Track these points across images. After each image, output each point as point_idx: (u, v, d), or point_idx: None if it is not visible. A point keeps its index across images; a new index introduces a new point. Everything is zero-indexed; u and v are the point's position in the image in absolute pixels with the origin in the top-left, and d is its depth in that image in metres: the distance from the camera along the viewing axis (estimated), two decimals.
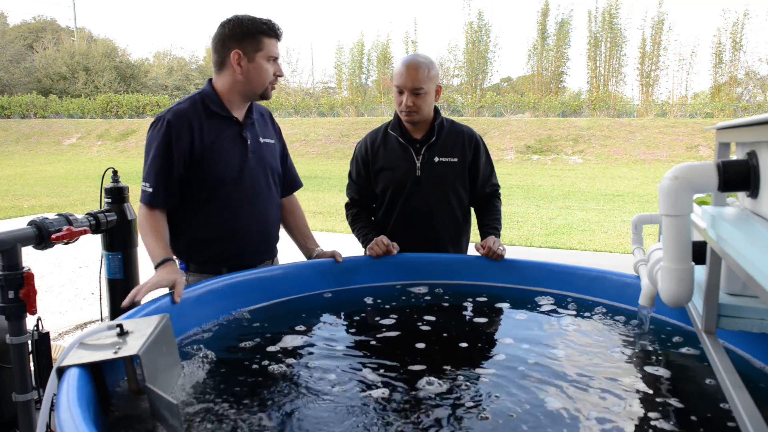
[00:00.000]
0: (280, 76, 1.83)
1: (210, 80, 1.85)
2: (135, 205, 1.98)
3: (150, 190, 1.73)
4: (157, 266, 1.58)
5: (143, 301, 1.47)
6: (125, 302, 1.42)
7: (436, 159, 2.12)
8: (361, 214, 2.23)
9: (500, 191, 2.28)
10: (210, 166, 1.77)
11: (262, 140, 1.90)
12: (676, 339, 1.50)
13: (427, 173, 2.11)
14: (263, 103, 1.97)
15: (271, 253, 1.99)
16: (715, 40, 24.22)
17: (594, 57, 26.57)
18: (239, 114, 1.85)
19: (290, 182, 2.09)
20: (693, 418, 1.11)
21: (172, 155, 1.73)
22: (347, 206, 2.30)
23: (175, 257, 1.73)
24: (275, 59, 1.79)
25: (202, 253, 1.84)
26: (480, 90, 27.21)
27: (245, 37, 1.74)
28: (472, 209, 2.28)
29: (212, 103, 1.80)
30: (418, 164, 2.11)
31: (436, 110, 2.16)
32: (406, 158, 2.13)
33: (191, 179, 1.78)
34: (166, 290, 1.52)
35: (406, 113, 2.05)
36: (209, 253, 1.84)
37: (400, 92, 2.04)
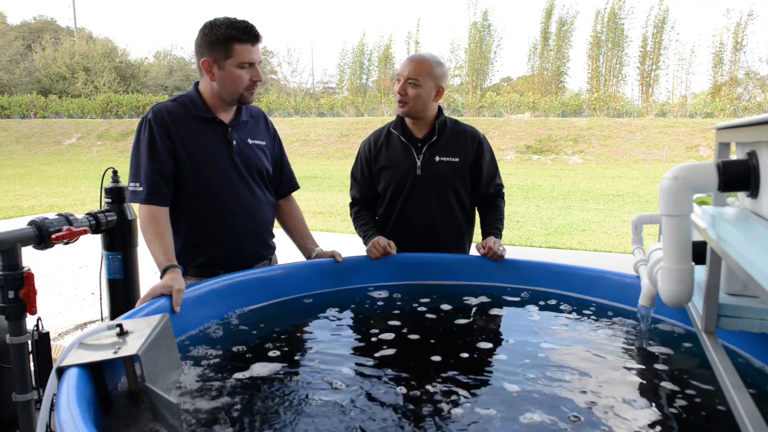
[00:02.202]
0: (258, 81, 1.78)
1: (196, 83, 1.85)
2: (134, 205, 1.98)
3: (140, 188, 1.71)
4: (162, 274, 1.58)
5: (140, 294, 1.47)
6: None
7: (437, 158, 2.12)
8: (363, 212, 2.23)
9: (504, 191, 2.28)
10: (194, 167, 1.77)
11: (250, 141, 1.89)
12: (676, 339, 1.50)
13: (428, 172, 2.11)
14: (256, 103, 1.96)
15: (266, 254, 1.98)
16: (716, 40, 24.27)
17: (596, 57, 26.60)
18: (225, 116, 1.84)
19: (287, 184, 2.08)
20: (693, 417, 1.11)
21: (158, 152, 1.72)
22: (350, 205, 2.30)
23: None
24: (251, 64, 1.74)
25: (197, 257, 1.84)
26: (480, 90, 27.22)
27: (215, 44, 1.71)
28: (476, 210, 2.28)
29: (195, 106, 1.80)
30: (419, 163, 2.11)
31: (440, 110, 2.16)
32: (407, 157, 2.13)
33: (178, 182, 1.77)
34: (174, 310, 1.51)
35: (398, 102, 2.07)
36: (203, 257, 1.84)
37: (398, 80, 2.06)
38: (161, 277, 1.56)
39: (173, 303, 1.45)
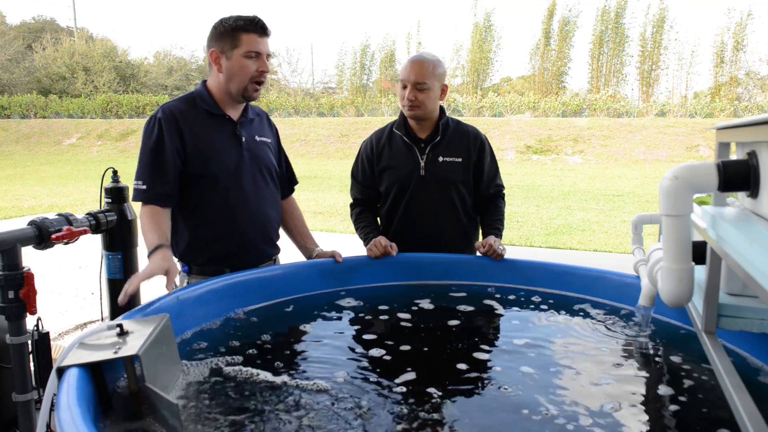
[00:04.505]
0: (264, 72, 1.78)
1: (204, 81, 1.86)
2: (135, 205, 1.98)
3: (143, 187, 1.71)
4: (150, 253, 1.56)
5: (140, 293, 1.46)
6: (121, 298, 1.40)
7: (441, 159, 2.11)
8: (364, 213, 2.23)
9: (504, 192, 2.28)
10: (204, 164, 1.77)
11: (258, 138, 1.90)
12: (675, 339, 1.50)
13: (432, 173, 2.11)
14: (257, 103, 1.96)
15: (272, 252, 1.99)
16: (717, 39, 24.23)
17: (597, 56, 26.59)
18: (234, 113, 1.85)
19: (289, 180, 2.11)
20: (693, 418, 1.11)
21: (165, 151, 1.72)
22: (351, 206, 2.30)
23: (172, 251, 1.70)
24: (257, 55, 1.75)
25: (203, 254, 1.84)
26: (480, 90, 27.21)
27: (222, 35, 1.73)
28: None
29: (204, 102, 1.81)
30: (423, 163, 2.11)
31: (442, 110, 2.16)
32: (410, 157, 2.12)
33: (186, 179, 1.77)
34: (165, 290, 1.51)
35: (409, 107, 2.05)
36: (210, 253, 1.84)
37: (404, 86, 2.05)
38: (149, 255, 1.55)
39: (167, 281, 1.45)
